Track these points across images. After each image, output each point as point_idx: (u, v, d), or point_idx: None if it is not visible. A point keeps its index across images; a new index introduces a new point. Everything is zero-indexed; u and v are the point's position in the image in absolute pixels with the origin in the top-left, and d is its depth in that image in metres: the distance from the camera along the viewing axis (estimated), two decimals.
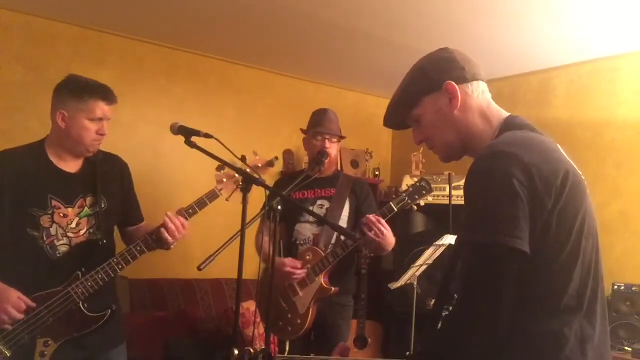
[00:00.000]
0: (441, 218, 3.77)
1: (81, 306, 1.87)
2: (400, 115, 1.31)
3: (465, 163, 1.35)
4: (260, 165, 2.06)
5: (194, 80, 4.06)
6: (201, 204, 2.08)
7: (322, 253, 2.66)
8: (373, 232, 2.43)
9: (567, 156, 1.15)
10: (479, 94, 1.23)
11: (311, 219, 2.74)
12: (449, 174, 3.57)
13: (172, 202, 3.93)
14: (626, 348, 3.08)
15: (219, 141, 1.78)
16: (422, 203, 2.63)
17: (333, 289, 2.65)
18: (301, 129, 3.00)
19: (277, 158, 2.09)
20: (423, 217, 4.21)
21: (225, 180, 2.08)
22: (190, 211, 2.07)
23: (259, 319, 3.27)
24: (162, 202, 3.81)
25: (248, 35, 3.66)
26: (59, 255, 1.90)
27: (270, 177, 4.35)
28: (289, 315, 2.67)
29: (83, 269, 1.89)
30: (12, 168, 1.89)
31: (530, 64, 3.90)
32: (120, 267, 1.92)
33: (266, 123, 4.43)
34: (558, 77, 3.96)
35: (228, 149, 1.80)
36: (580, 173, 1.13)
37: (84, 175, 2.00)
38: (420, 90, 1.26)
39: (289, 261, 2.62)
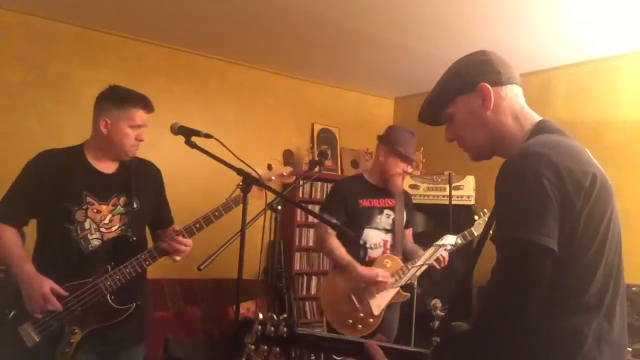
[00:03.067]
0: (441, 218, 3.77)
1: (108, 298, 1.95)
2: (434, 112, 1.35)
3: (465, 163, 1.35)
4: (285, 173, 2.12)
5: (194, 80, 4.06)
6: (227, 208, 2.10)
7: (401, 262, 2.85)
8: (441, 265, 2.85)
9: (595, 160, 1.19)
10: (513, 96, 1.26)
11: (380, 225, 2.88)
12: (449, 174, 3.56)
13: (172, 202, 3.93)
14: (626, 348, 3.08)
15: (219, 141, 1.78)
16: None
17: (408, 295, 2.86)
18: (384, 143, 2.90)
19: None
20: (423, 217, 4.20)
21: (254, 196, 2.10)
22: (213, 216, 2.10)
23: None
24: None
25: (248, 35, 3.66)
26: (91, 249, 1.99)
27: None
28: (361, 315, 2.77)
29: (112, 263, 1.97)
30: (52, 165, 2.02)
31: (530, 64, 3.90)
32: (147, 262, 2.00)
33: (266, 123, 4.43)
34: (558, 77, 3.96)
35: (228, 149, 1.80)
36: (607, 178, 1.17)
37: (119, 177, 2.10)
38: (454, 89, 1.28)
39: (380, 271, 2.75)
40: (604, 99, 3.70)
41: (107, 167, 2.09)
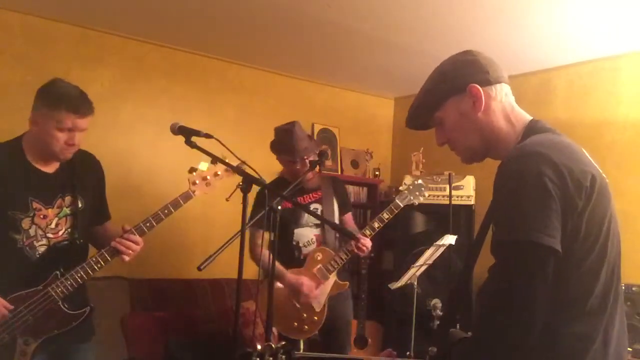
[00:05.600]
0: (441, 218, 3.77)
1: (61, 305, 1.90)
2: (423, 117, 1.31)
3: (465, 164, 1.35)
4: (230, 170, 2.07)
5: (194, 80, 4.06)
6: (175, 205, 2.10)
7: (332, 252, 2.84)
8: (364, 252, 2.82)
9: (591, 159, 1.17)
10: (502, 96, 1.23)
11: (310, 222, 2.89)
12: (449, 174, 3.56)
13: None
14: (626, 347, 3.08)
15: (219, 141, 1.79)
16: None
17: (347, 283, 2.89)
18: (271, 149, 2.95)
19: (245, 162, 2.08)
20: (423, 217, 4.20)
21: (197, 182, 2.12)
22: (162, 214, 2.07)
23: (257, 318, 3.30)
24: (162, 202, 3.80)
25: (248, 35, 3.66)
26: (37, 256, 1.91)
27: (271, 179, 4.35)
28: (304, 315, 2.80)
29: (61, 269, 1.91)
30: None
31: (530, 64, 3.90)
32: (99, 265, 1.93)
33: (266, 123, 4.41)
34: (558, 77, 3.96)
35: (228, 149, 1.80)
36: (605, 178, 1.14)
37: (62, 175, 2.01)
38: (443, 92, 1.25)
39: (306, 281, 2.77)
40: (603, 99, 3.70)
41: (48, 165, 1.98)
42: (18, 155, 1.94)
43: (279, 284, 2.78)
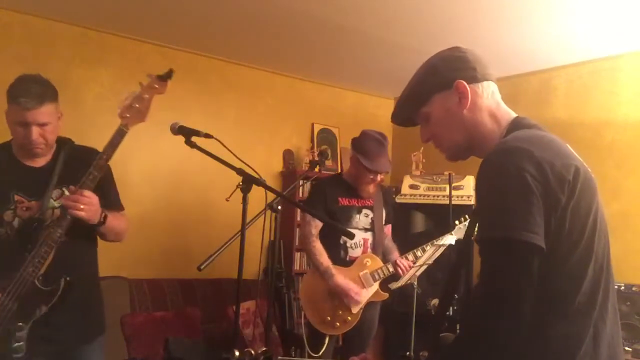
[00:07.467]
0: (441, 218, 3.77)
1: (37, 283, 1.85)
2: (408, 112, 1.30)
3: (465, 163, 1.35)
4: (156, 85, 2.02)
5: (194, 80, 4.06)
6: (112, 145, 1.94)
7: (382, 262, 2.90)
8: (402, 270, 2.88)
9: (576, 154, 1.15)
10: (489, 94, 1.22)
11: (359, 224, 2.93)
12: (449, 174, 3.56)
13: (172, 202, 3.93)
14: (626, 348, 3.08)
15: (218, 141, 1.79)
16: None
17: (387, 295, 2.93)
18: (353, 149, 2.94)
19: (172, 70, 2.01)
20: (423, 217, 4.21)
21: (128, 115, 2.02)
22: (102, 160, 1.93)
23: (257, 318, 3.31)
24: (162, 202, 3.81)
25: (248, 35, 3.66)
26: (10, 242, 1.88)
27: (271, 179, 4.35)
28: (340, 312, 2.82)
29: (29, 246, 1.85)
30: None
31: (530, 64, 3.90)
32: (58, 233, 1.84)
33: (266, 123, 4.43)
34: (558, 77, 3.96)
35: (228, 149, 1.80)
36: (590, 171, 1.13)
37: (50, 169, 1.99)
38: (430, 87, 1.24)
39: (354, 288, 2.81)
40: (603, 99, 3.70)
41: (37, 160, 1.97)
42: (7, 155, 1.97)
43: (313, 277, 2.87)
